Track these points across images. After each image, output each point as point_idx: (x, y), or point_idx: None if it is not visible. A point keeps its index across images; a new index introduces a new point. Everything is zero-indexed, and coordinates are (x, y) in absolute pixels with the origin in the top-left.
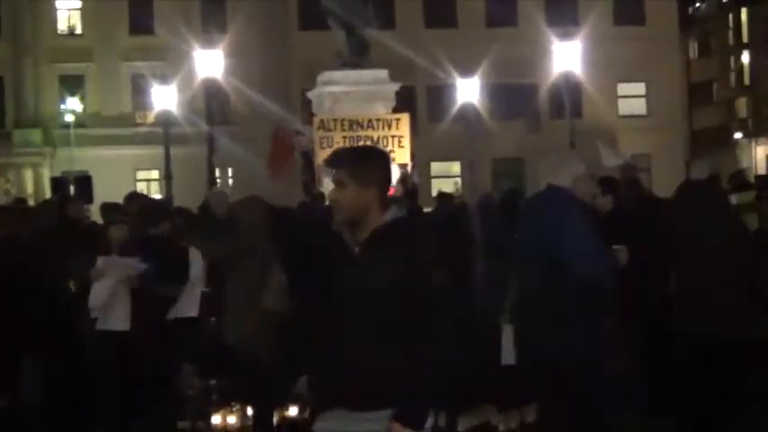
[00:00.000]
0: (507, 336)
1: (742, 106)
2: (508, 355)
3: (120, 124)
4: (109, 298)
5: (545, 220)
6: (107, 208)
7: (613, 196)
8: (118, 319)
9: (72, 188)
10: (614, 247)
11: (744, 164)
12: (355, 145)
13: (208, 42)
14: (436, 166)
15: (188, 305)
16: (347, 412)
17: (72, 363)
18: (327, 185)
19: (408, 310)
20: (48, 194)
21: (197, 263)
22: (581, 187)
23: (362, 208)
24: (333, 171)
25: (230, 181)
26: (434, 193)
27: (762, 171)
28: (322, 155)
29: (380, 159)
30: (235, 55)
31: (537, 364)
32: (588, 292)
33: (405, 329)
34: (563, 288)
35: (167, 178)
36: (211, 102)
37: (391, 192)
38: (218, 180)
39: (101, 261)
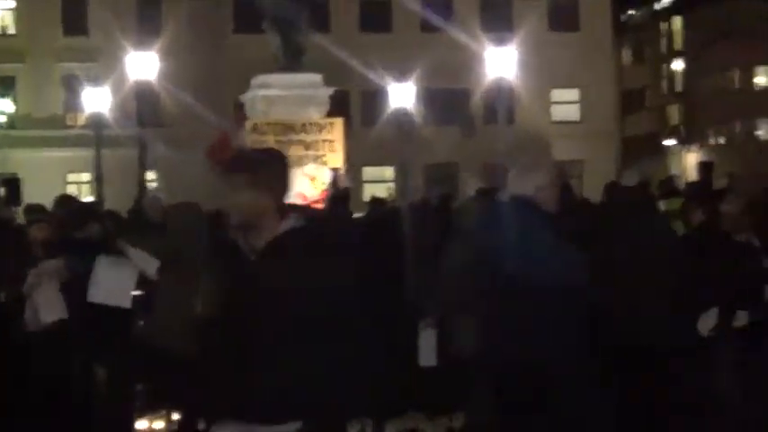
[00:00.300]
0: (428, 339)
1: (674, 113)
2: (428, 357)
3: (51, 126)
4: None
5: (509, 231)
6: (30, 209)
7: None
8: (53, 312)
9: (1, 190)
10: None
11: (675, 171)
12: (288, 149)
13: (141, 44)
14: (369, 171)
15: (120, 293)
16: (247, 425)
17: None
18: None
19: (310, 320)
20: None
21: (152, 261)
22: (543, 195)
23: (258, 213)
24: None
25: (158, 184)
26: (367, 197)
27: (693, 178)
28: None
29: (279, 164)
30: (169, 57)
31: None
32: (559, 300)
33: (310, 341)
34: (528, 300)
35: (98, 181)
36: (143, 104)
37: (323, 195)
38: (149, 183)
39: (32, 276)
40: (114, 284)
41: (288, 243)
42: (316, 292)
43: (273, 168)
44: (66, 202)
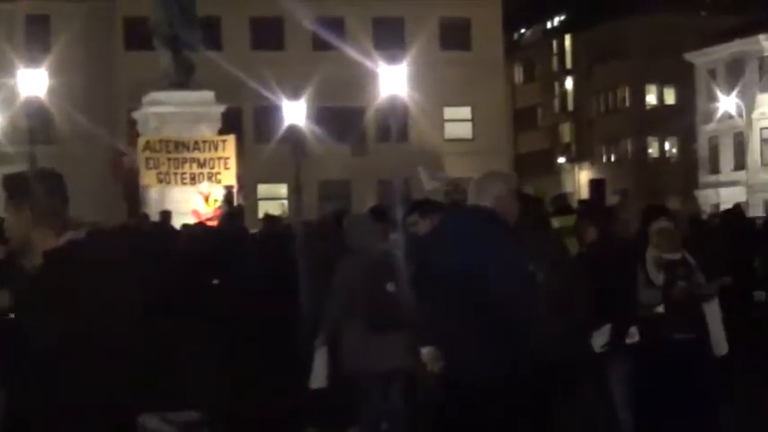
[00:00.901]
0: (320, 358)
1: (566, 131)
2: (318, 379)
3: None
4: None
5: (471, 240)
6: None
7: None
8: None
9: None
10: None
11: (567, 188)
12: (181, 166)
13: (31, 61)
14: (263, 188)
15: None
16: None
17: None
18: (154, 205)
19: (79, 335)
20: None
21: None
22: (502, 206)
23: (23, 233)
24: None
25: None
26: (261, 214)
27: (585, 195)
28: (148, 175)
29: (43, 183)
30: (59, 74)
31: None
32: (511, 308)
33: (83, 357)
34: (485, 306)
35: None
36: (34, 121)
37: (217, 212)
38: None
39: None
40: None
41: (54, 258)
42: (81, 306)
43: (33, 188)
44: None
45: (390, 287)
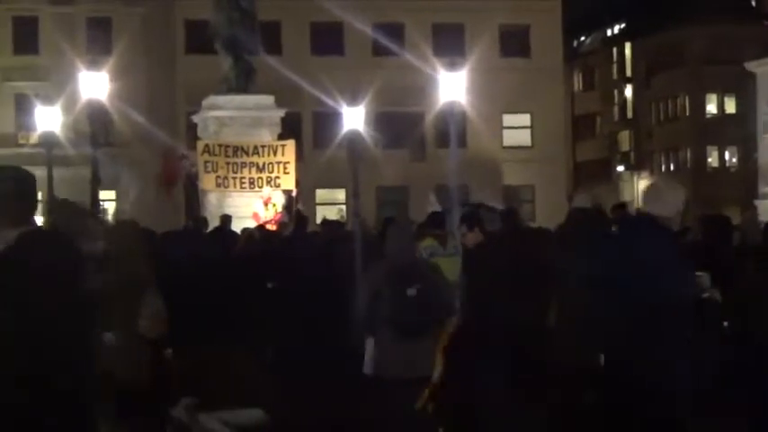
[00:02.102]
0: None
1: (624, 139)
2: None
3: (2, 144)
4: None
5: (649, 248)
6: None
7: (480, 230)
8: None
9: None
10: (697, 273)
11: (626, 197)
12: (240, 170)
13: (93, 64)
14: (321, 193)
15: None
16: None
17: None
18: (213, 209)
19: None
20: None
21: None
22: (677, 219)
23: None
24: None
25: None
26: (319, 219)
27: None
28: (206, 179)
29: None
30: (120, 77)
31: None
32: (679, 314)
33: None
34: (656, 310)
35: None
36: (95, 124)
37: (277, 217)
38: (102, 203)
39: None
40: None
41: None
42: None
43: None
44: None
45: (411, 292)
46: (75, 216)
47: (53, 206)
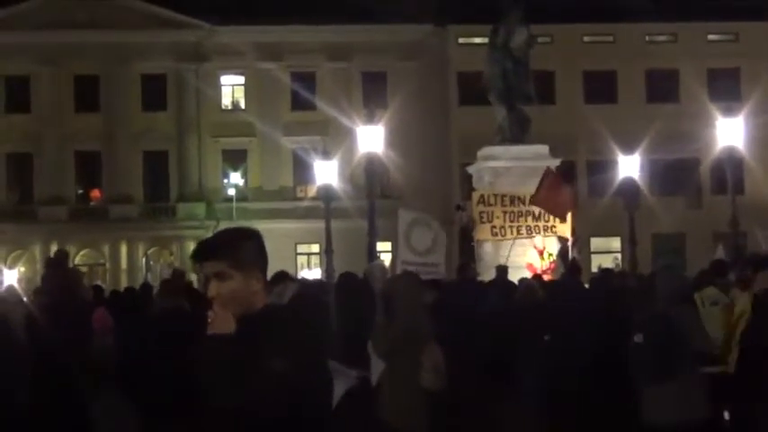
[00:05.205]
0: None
1: None
2: None
3: (281, 198)
4: None
5: None
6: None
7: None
8: None
9: None
10: None
11: None
12: (517, 220)
13: (368, 117)
14: (596, 242)
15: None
16: None
17: None
18: (488, 259)
19: None
20: None
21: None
22: None
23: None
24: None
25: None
26: (594, 268)
27: None
28: (482, 229)
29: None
30: (395, 130)
31: None
32: None
33: None
34: None
35: (328, 252)
36: (371, 176)
37: (552, 266)
38: (378, 254)
39: None
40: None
41: None
42: None
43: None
44: None
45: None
46: None
47: None
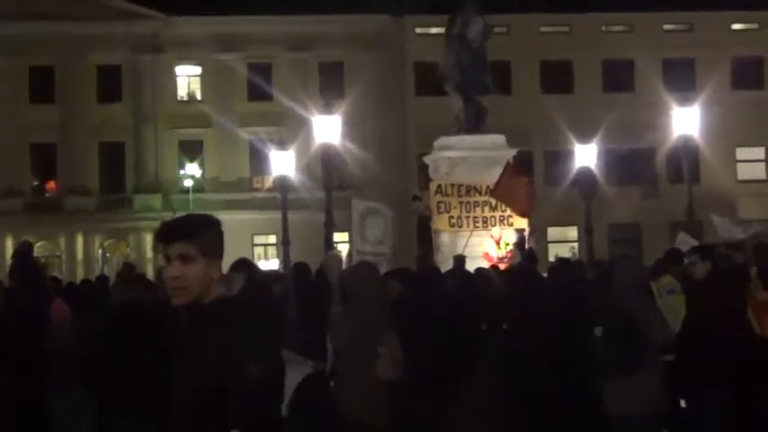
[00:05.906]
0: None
1: None
2: None
3: (238, 189)
4: None
5: None
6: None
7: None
8: None
9: None
10: None
11: None
12: (473, 210)
13: (325, 108)
14: (553, 231)
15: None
16: None
17: None
18: (446, 250)
19: None
20: None
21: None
22: None
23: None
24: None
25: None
26: (551, 257)
27: None
28: (439, 220)
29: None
30: (352, 120)
31: None
32: None
33: None
34: None
35: (284, 243)
36: (328, 167)
37: (509, 255)
38: (335, 245)
39: None
40: None
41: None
42: None
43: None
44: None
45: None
46: None
47: None
